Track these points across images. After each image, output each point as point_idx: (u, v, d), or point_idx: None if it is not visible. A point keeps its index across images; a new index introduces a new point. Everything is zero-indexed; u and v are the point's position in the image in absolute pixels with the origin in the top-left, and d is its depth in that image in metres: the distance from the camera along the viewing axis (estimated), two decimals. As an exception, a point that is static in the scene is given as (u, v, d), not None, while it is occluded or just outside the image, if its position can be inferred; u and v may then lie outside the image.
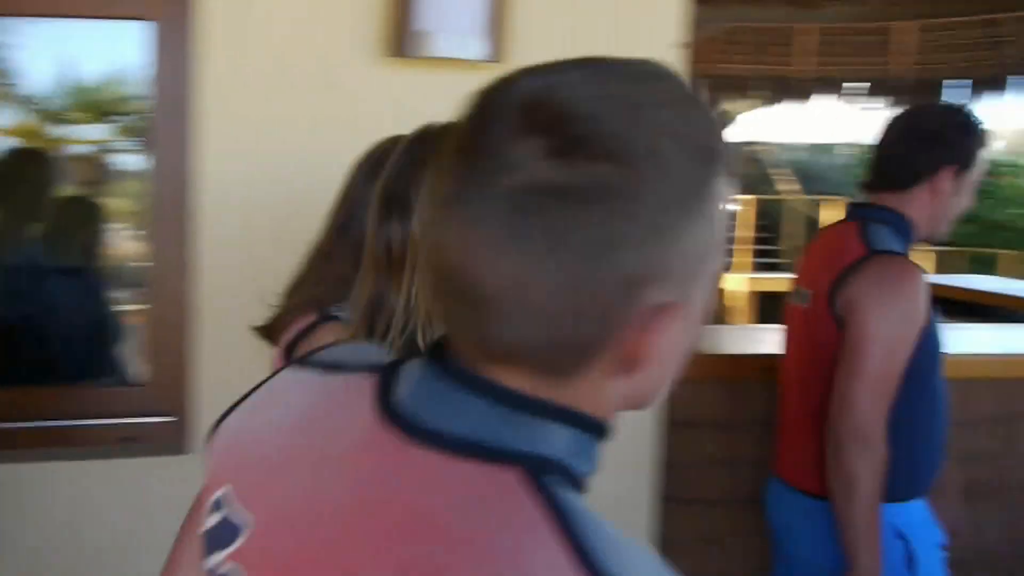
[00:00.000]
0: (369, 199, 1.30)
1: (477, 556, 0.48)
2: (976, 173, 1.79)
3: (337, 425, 0.60)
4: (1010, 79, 6.21)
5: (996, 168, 15.68)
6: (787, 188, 12.18)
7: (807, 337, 1.81)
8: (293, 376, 0.68)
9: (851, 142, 14.58)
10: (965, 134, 1.77)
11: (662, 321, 0.52)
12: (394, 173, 1.13)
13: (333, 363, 0.66)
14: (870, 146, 1.85)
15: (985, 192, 14.25)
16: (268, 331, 1.41)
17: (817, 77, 6.72)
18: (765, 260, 11.29)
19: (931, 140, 1.73)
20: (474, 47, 1.99)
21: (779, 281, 8.44)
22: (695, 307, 0.56)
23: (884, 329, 1.63)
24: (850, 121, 11.04)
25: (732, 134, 12.24)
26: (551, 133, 0.49)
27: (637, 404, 0.59)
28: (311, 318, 1.33)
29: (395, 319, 1.09)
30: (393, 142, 1.37)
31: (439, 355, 0.57)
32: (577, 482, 0.55)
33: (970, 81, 6.35)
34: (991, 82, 6.27)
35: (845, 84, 6.79)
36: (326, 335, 1.28)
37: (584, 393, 0.54)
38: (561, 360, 0.53)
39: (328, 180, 1.38)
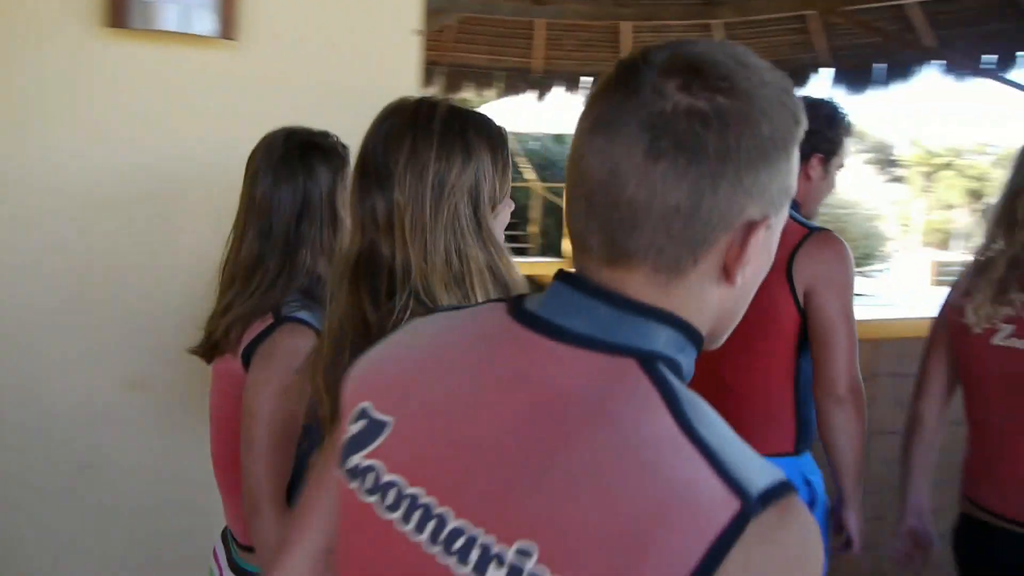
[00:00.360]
0: (283, 198, 1.43)
1: (604, 423, 0.62)
2: (840, 160, 2.04)
3: (469, 334, 0.74)
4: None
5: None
6: (528, 177, 12.65)
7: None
8: (420, 321, 0.81)
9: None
10: (832, 125, 2.02)
11: (756, 234, 0.66)
12: (370, 146, 1.15)
13: (455, 306, 0.83)
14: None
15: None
16: (210, 349, 1.47)
17: (553, 70, 7.01)
18: (513, 245, 11.64)
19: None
20: (203, 22, 1.84)
21: (529, 265, 8.72)
22: (775, 233, 0.70)
23: (850, 300, 1.91)
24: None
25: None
26: (685, 74, 0.63)
27: (724, 323, 0.72)
28: (268, 321, 1.39)
29: (398, 278, 1.11)
30: (287, 137, 1.47)
31: (563, 278, 0.69)
32: (680, 373, 0.67)
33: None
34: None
35: (582, 78, 7.13)
36: (286, 336, 1.37)
37: (685, 300, 0.67)
38: (676, 257, 0.65)
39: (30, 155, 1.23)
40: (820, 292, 1.88)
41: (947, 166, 24.62)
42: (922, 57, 6.01)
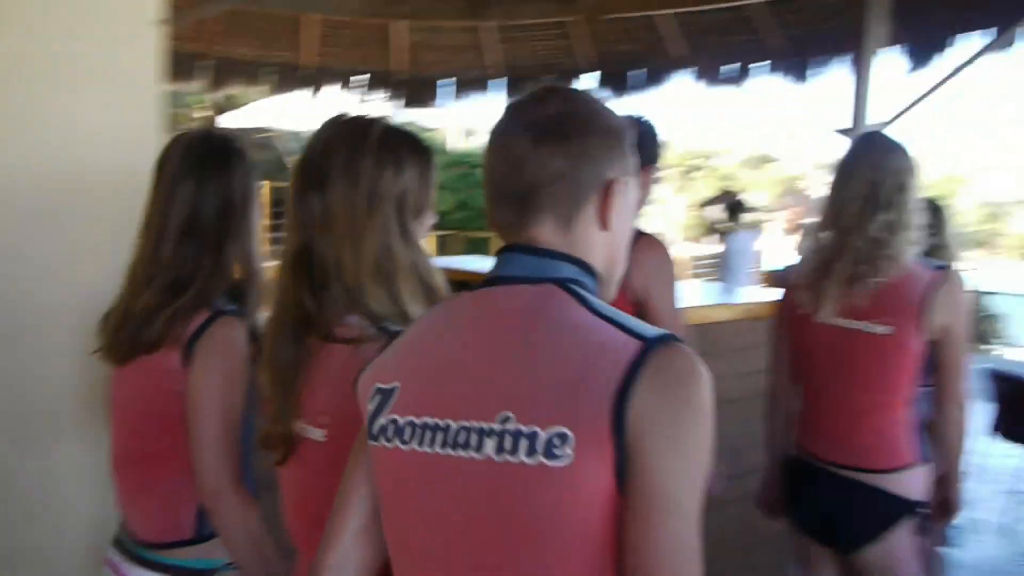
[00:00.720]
0: (208, 198, 1.53)
1: (543, 320, 0.93)
2: (656, 172, 2.25)
3: (441, 312, 1.06)
4: (490, 81, 7.01)
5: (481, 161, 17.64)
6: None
7: None
8: (408, 327, 1.10)
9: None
10: (651, 139, 2.24)
11: (617, 190, 1.00)
12: (310, 153, 1.28)
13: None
14: None
15: (477, 182, 15.99)
16: (131, 348, 1.52)
17: (324, 67, 6.85)
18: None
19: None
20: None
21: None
22: (630, 191, 1.04)
23: (675, 295, 2.22)
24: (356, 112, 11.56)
25: (243, 120, 11.97)
26: (549, 93, 1.01)
27: (611, 263, 1.05)
28: (205, 315, 1.48)
29: (330, 276, 1.24)
30: (205, 139, 1.58)
31: (502, 250, 1.01)
32: (586, 290, 0.98)
33: (454, 80, 7.04)
34: (475, 82, 7.01)
35: (352, 77, 7.02)
36: (225, 328, 1.48)
37: (578, 244, 0.99)
38: (566, 214, 0.98)
39: None
40: (652, 291, 2.14)
41: (698, 168, 26.74)
42: (674, 64, 6.46)
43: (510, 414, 0.87)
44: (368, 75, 6.98)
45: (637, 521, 0.83)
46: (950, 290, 1.99)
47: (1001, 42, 4.70)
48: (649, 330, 0.88)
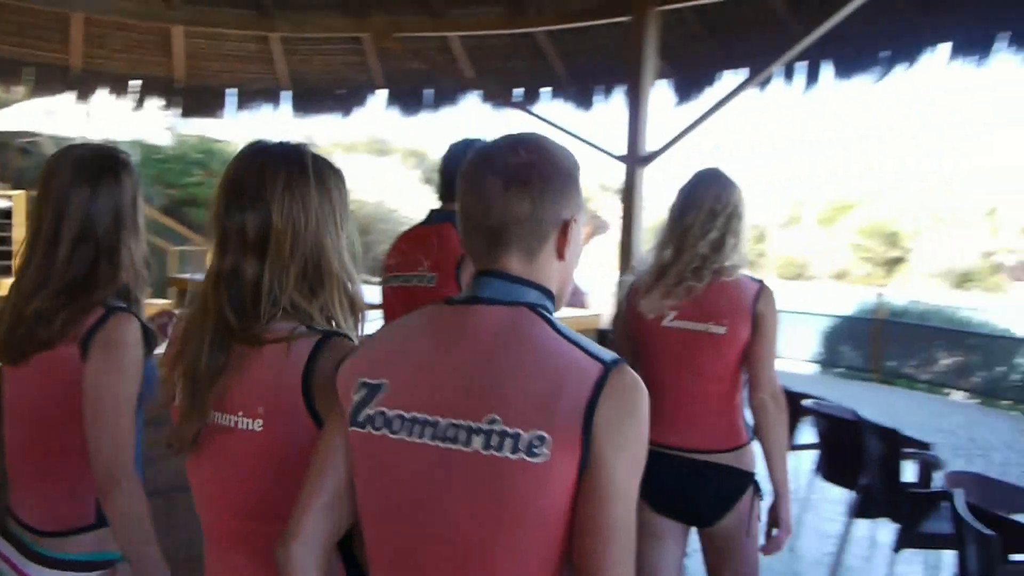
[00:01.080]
0: (102, 208, 1.66)
1: (520, 338, 1.13)
2: None
3: (422, 320, 1.22)
4: (282, 93, 6.85)
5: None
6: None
7: None
8: (381, 328, 1.31)
9: (134, 140, 14.35)
10: None
11: (572, 227, 1.21)
12: (242, 176, 1.37)
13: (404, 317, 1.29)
14: (441, 164, 2.59)
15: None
16: (28, 346, 1.63)
17: (96, 70, 6.41)
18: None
19: None
20: None
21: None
22: (580, 227, 1.23)
23: None
24: (132, 119, 10.82)
25: (3, 123, 10.93)
26: (518, 145, 1.21)
27: (563, 287, 1.25)
28: (99, 313, 1.60)
29: (263, 290, 1.34)
30: (95, 152, 1.71)
31: (478, 275, 1.21)
32: (549, 312, 1.19)
33: (236, 90, 6.83)
34: (262, 94, 6.82)
35: (131, 81, 6.63)
36: (120, 324, 1.60)
37: (539, 273, 1.20)
38: (532, 246, 1.18)
39: None
40: None
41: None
42: (464, 85, 6.61)
43: (497, 417, 1.08)
44: (141, 81, 6.61)
45: (589, 505, 1.07)
46: (769, 298, 2.39)
47: (756, 81, 5.18)
48: (604, 353, 1.12)
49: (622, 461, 1.08)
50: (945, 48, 4.88)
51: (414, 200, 18.73)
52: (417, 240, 2.56)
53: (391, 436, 1.14)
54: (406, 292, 2.51)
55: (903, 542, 3.61)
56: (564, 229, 1.20)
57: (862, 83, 5.24)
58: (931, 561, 4.06)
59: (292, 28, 6.16)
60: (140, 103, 6.72)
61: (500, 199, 1.16)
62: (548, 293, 1.21)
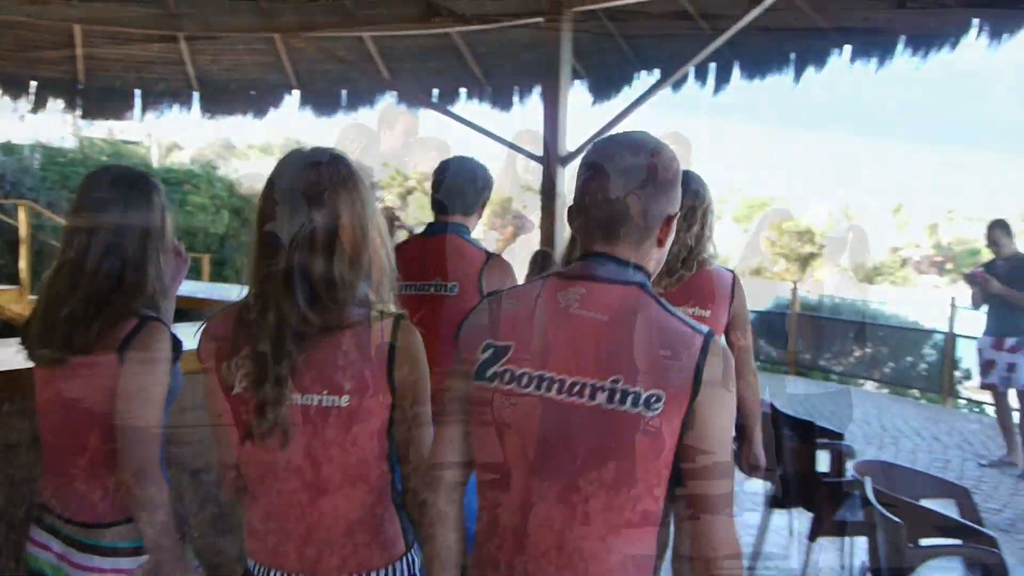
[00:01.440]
0: (134, 224, 1.80)
1: (637, 313, 1.34)
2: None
3: (543, 291, 1.39)
4: (192, 94, 6.66)
5: (189, 178, 16.71)
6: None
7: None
8: (498, 295, 1.46)
9: (34, 143, 13.80)
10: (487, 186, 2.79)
11: (673, 219, 1.40)
12: (299, 186, 1.49)
13: (517, 286, 1.72)
14: (434, 180, 2.78)
15: (184, 200, 15.09)
16: (56, 354, 1.76)
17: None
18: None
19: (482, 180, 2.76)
20: None
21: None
22: (676, 219, 1.43)
23: None
24: (32, 122, 10.40)
25: None
26: (644, 151, 1.40)
27: (658, 268, 1.44)
28: (133, 322, 1.73)
29: (336, 282, 1.48)
30: (127, 172, 1.91)
31: (590, 255, 1.39)
32: (651, 291, 1.38)
33: (142, 91, 6.62)
34: (171, 95, 6.62)
35: (32, 81, 6.37)
36: (153, 332, 1.73)
37: (644, 257, 1.39)
38: (639, 237, 1.37)
39: None
40: None
41: (412, 191, 27.63)
42: (382, 86, 6.53)
43: (620, 377, 1.29)
44: (37, 83, 6.34)
45: (691, 458, 1.31)
46: (741, 285, 2.71)
47: (669, 81, 5.26)
48: (700, 325, 1.33)
49: (720, 416, 1.32)
50: (847, 50, 5.04)
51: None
52: (426, 251, 2.74)
53: (519, 390, 1.34)
54: (418, 300, 2.67)
55: (818, 531, 3.69)
56: (668, 222, 1.39)
57: (774, 83, 5.38)
58: (847, 548, 4.16)
59: (199, 28, 5.97)
60: (40, 105, 6.44)
61: (620, 197, 1.34)
62: (648, 274, 1.39)
